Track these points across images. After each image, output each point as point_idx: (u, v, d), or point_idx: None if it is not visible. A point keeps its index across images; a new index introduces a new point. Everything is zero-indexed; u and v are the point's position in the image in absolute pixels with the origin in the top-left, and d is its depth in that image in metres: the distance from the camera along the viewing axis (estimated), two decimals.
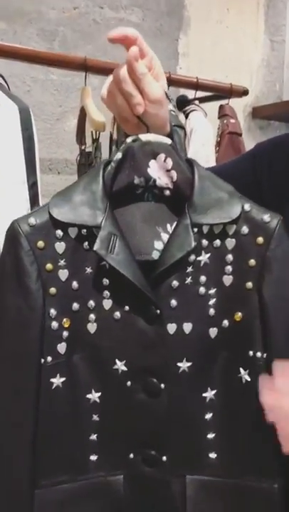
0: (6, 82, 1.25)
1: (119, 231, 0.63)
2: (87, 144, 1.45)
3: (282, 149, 0.81)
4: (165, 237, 0.65)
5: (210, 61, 2.01)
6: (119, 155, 0.64)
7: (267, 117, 2.18)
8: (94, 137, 1.40)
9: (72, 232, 0.64)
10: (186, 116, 1.64)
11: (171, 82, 1.49)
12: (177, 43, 1.96)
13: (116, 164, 0.64)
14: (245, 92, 1.71)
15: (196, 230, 0.64)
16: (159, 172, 0.64)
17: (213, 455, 0.68)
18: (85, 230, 0.64)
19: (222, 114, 1.69)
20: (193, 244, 0.63)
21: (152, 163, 0.64)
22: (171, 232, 0.65)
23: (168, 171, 0.64)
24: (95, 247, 0.62)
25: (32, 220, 0.63)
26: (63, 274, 0.65)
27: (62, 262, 0.64)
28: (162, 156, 0.64)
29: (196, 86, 1.60)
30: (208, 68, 1.94)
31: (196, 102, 1.66)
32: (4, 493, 0.65)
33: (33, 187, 1.15)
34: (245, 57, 2.15)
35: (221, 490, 0.67)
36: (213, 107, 1.73)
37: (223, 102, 1.70)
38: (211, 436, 0.67)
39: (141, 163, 0.64)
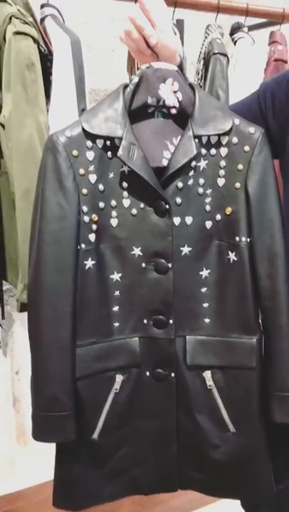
0: (60, 14, 1.37)
1: (137, 142, 0.79)
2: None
3: (282, 85, 0.91)
4: (172, 148, 0.81)
5: None
6: (136, 79, 0.79)
7: None
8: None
9: (100, 143, 0.81)
10: (235, 44, 1.65)
11: (221, 8, 1.52)
12: None
13: (134, 86, 0.79)
14: None
15: (196, 140, 0.80)
16: (168, 93, 0.79)
17: (207, 320, 0.88)
18: (109, 142, 0.81)
19: (272, 40, 1.67)
20: (195, 151, 0.79)
21: (162, 85, 0.79)
22: (176, 143, 0.81)
23: (175, 92, 0.79)
24: (119, 154, 0.79)
25: (68, 133, 0.80)
26: (92, 178, 0.82)
27: (91, 168, 0.82)
28: (170, 80, 0.78)
29: (246, 12, 1.58)
30: None
31: (245, 29, 1.66)
32: (56, 349, 0.84)
33: (82, 113, 1.31)
34: None
35: (212, 345, 0.88)
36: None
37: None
38: (205, 305, 0.88)
39: (153, 86, 0.79)
